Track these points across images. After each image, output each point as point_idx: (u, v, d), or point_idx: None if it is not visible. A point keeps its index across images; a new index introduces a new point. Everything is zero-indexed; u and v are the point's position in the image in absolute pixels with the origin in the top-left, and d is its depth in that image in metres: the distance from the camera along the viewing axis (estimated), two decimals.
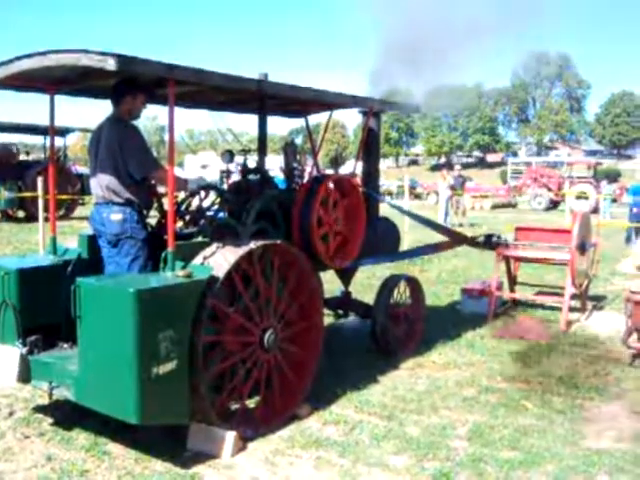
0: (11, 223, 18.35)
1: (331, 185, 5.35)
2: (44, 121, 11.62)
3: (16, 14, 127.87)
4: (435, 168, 72.81)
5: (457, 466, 3.90)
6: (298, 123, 65.85)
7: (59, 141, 20.03)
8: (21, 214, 19.31)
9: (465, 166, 48.96)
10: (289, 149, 5.52)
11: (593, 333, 7.12)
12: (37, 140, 22.43)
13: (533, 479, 3.78)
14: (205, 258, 4.07)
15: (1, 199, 18.12)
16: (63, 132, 19.30)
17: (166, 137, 4.35)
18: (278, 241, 4.56)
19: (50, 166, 5.15)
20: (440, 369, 5.78)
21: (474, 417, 4.68)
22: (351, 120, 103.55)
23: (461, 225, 18.83)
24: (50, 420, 4.45)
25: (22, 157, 21.11)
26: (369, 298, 6.55)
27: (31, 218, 17.20)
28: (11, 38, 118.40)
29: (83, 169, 22.37)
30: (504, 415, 4.72)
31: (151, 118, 79.72)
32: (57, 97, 4.69)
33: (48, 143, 5.37)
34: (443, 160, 79.49)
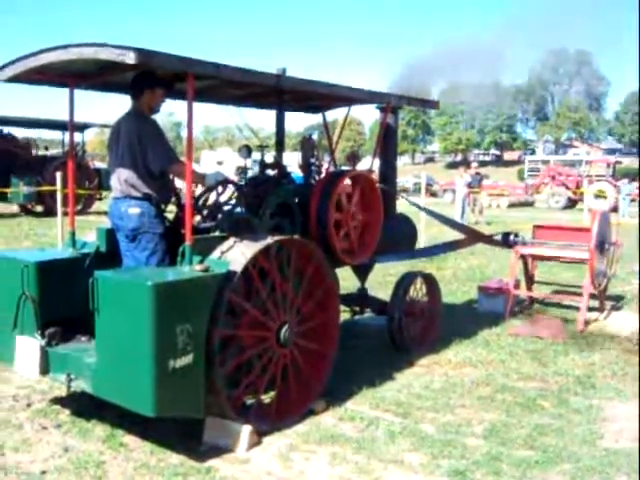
0: (30, 217, 18.56)
1: (348, 181, 5.34)
2: (62, 116, 11.77)
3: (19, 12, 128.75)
4: (452, 166, 72.53)
5: (473, 464, 3.87)
6: (314, 119, 65.83)
7: (78, 136, 20.19)
8: (40, 208, 19.51)
9: (482, 164, 48.67)
10: (307, 144, 5.51)
11: (611, 333, 7.05)
12: (56, 135, 22.57)
13: (550, 479, 3.75)
14: (222, 253, 4.08)
15: (20, 194, 18.32)
16: (82, 127, 19.45)
17: (183, 133, 4.36)
18: (295, 236, 4.56)
19: (69, 161, 5.18)
20: (456, 367, 5.75)
21: (490, 416, 4.65)
22: (368, 117, 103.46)
23: (477, 223, 18.71)
24: (67, 412, 4.49)
25: (41, 152, 21.32)
26: (385, 295, 6.53)
27: (49, 212, 17.39)
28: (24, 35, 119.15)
29: (101, 164, 22.54)
30: (520, 414, 4.69)
31: (167, 114, 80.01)
32: (76, 92, 4.70)
33: (67, 138, 5.40)
34: (460, 158, 79.12)
